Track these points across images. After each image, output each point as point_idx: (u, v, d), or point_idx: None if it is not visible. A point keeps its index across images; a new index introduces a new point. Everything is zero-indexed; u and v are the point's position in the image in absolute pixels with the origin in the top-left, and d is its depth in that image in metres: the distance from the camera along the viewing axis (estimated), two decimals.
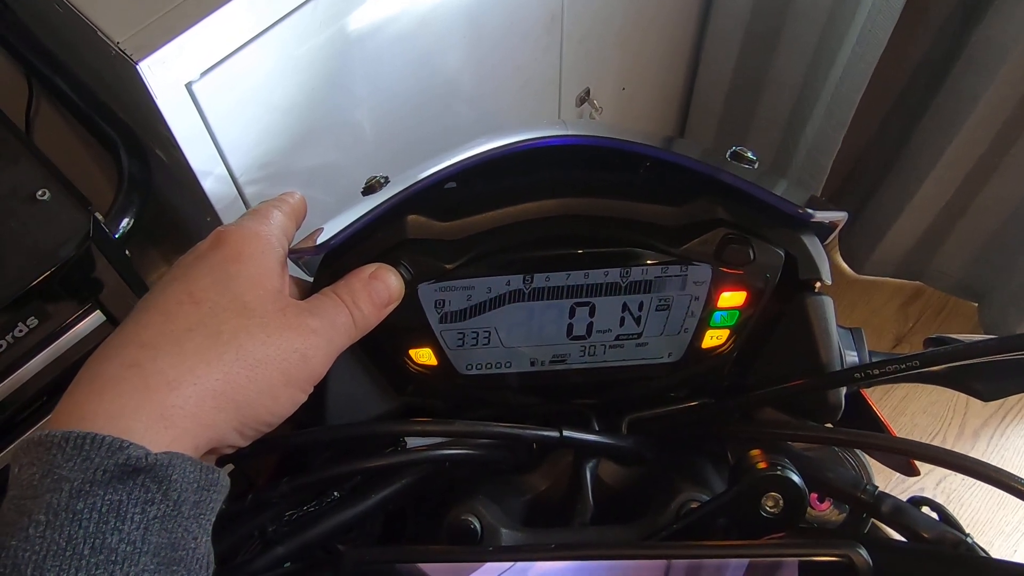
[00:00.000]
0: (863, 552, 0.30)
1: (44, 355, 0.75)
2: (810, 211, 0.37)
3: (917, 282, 1.66)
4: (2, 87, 0.87)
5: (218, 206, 0.81)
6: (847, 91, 1.22)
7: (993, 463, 0.35)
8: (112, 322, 0.80)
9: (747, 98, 1.46)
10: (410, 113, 0.95)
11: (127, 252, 0.81)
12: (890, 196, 1.47)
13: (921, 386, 1.73)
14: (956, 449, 0.36)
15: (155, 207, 0.88)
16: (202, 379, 0.32)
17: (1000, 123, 1.24)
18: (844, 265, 1.70)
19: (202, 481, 0.31)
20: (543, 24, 1.05)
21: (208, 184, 0.79)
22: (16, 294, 0.69)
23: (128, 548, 0.28)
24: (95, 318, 0.78)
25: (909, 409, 1.55)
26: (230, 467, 0.36)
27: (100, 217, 0.75)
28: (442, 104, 0.99)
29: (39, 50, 0.90)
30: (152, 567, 0.28)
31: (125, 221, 0.80)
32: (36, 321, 0.73)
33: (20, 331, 0.72)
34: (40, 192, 0.73)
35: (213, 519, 0.31)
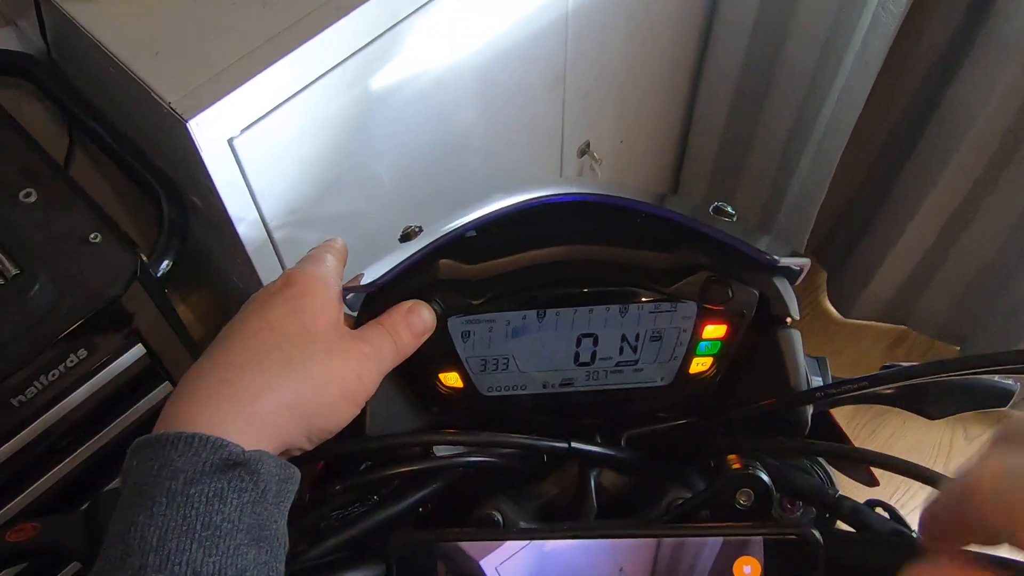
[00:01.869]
0: (816, 533, 0.37)
1: (91, 384, 0.81)
2: (776, 258, 0.44)
3: (902, 326, 1.72)
4: (43, 137, 0.94)
5: (250, 249, 0.89)
6: (829, 146, 1.30)
7: None
8: (151, 354, 0.87)
9: (737, 151, 1.54)
10: (427, 165, 1.03)
11: (166, 290, 0.88)
12: (874, 244, 1.54)
13: (908, 425, 1.79)
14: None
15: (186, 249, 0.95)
16: (279, 393, 0.39)
17: (971, 181, 1.32)
18: (832, 309, 1.77)
19: (282, 474, 0.37)
20: (548, 83, 1.13)
21: (242, 229, 0.86)
22: (70, 328, 0.76)
23: (229, 526, 0.34)
24: (136, 350, 0.85)
25: (896, 447, 1.61)
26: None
27: (145, 259, 0.82)
28: (456, 156, 1.06)
29: (85, 105, 0.98)
30: (246, 541, 0.35)
31: (165, 263, 0.88)
32: (85, 353, 0.79)
33: (72, 361, 0.78)
34: (93, 235, 0.80)
35: (289, 506, 0.38)
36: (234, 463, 0.35)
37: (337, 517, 0.45)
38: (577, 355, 0.48)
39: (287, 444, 0.40)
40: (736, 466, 0.43)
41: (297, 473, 0.39)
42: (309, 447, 0.41)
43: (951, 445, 1.60)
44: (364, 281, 0.47)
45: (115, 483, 0.92)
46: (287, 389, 0.39)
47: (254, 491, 0.36)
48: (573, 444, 0.47)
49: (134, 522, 0.34)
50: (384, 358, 0.44)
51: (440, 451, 0.48)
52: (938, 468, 1.64)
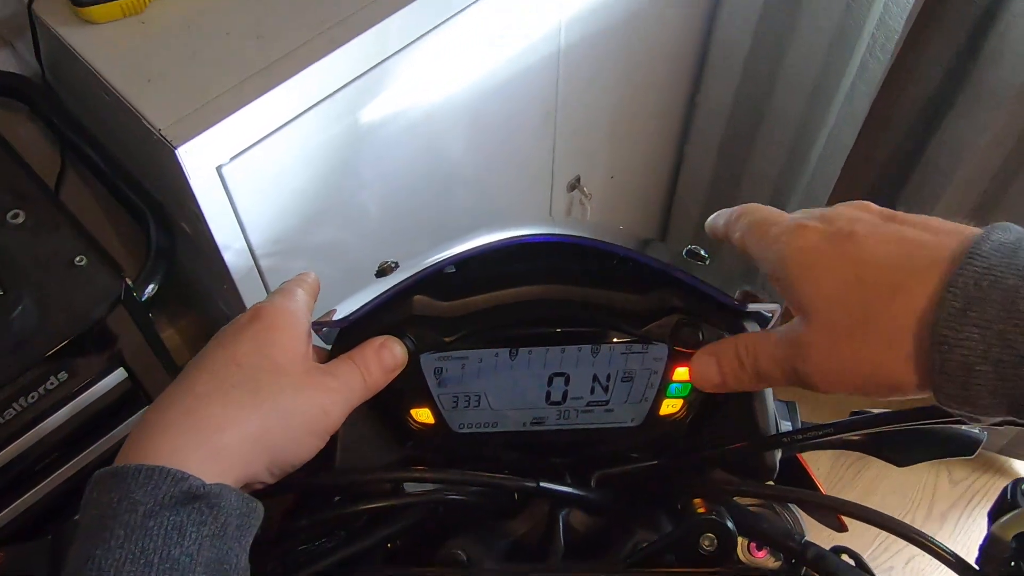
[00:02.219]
0: None
1: (70, 407, 0.81)
2: (745, 303, 0.45)
3: None
4: (35, 159, 0.95)
5: (236, 276, 0.89)
6: (817, 189, 1.32)
7: (959, 545, 0.42)
8: (133, 378, 0.87)
9: (727, 190, 1.55)
10: (414, 196, 1.03)
11: (150, 315, 0.88)
12: None
13: (891, 468, 1.79)
14: (924, 530, 0.43)
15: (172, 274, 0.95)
16: (244, 425, 0.39)
17: (959, 221, 1.33)
18: None
19: (244, 508, 0.37)
20: (539, 118, 1.14)
21: (228, 256, 0.87)
22: (52, 350, 0.76)
23: (187, 560, 0.34)
24: (118, 374, 0.85)
25: (880, 489, 1.61)
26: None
27: (130, 283, 0.82)
28: (443, 189, 1.07)
29: (78, 128, 0.98)
30: None
31: (151, 287, 0.88)
32: (66, 375, 0.79)
33: (51, 384, 0.78)
34: (78, 258, 0.80)
35: (251, 540, 0.38)
36: (194, 496, 0.35)
37: (303, 552, 0.45)
38: (549, 394, 0.48)
39: (249, 477, 0.40)
40: (701, 510, 0.43)
41: (260, 507, 0.39)
42: (271, 480, 0.41)
43: (935, 488, 1.60)
44: (338, 316, 0.48)
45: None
46: (252, 421, 0.39)
47: (214, 524, 0.36)
48: (542, 484, 0.47)
49: (91, 555, 0.34)
50: (352, 393, 0.44)
51: (410, 486, 0.48)
52: (921, 511, 1.63)
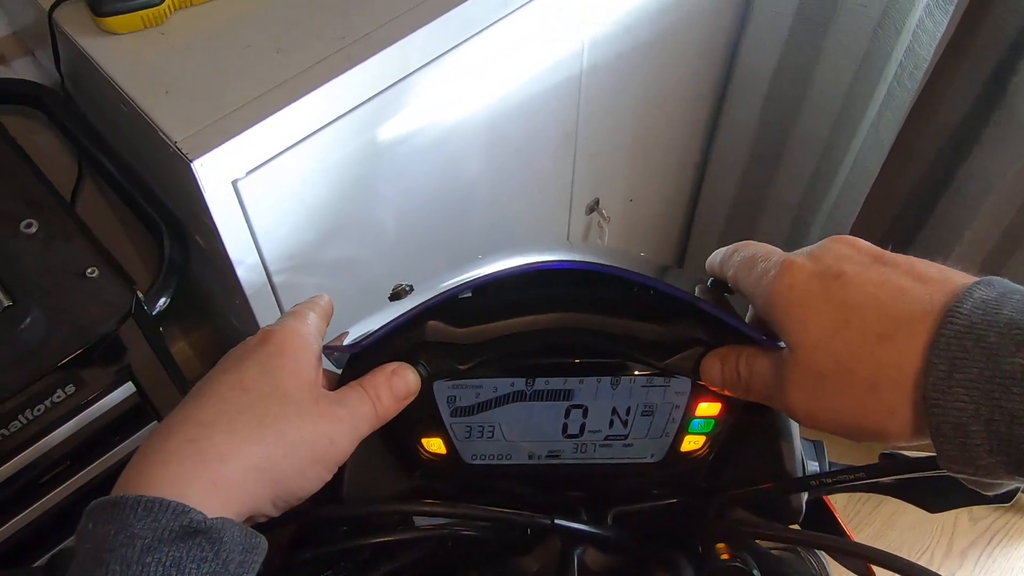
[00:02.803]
0: None
1: (76, 420, 0.80)
2: (772, 339, 0.43)
3: None
4: (53, 168, 0.94)
5: (249, 292, 0.88)
6: (841, 216, 1.29)
7: None
8: (141, 393, 0.85)
9: (748, 215, 1.54)
10: (430, 215, 1.02)
11: (161, 329, 0.87)
12: None
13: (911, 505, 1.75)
14: (943, 569, 0.41)
15: (185, 286, 0.94)
16: (248, 456, 0.37)
17: (985, 251, 1.31)
18: None
19: (246, 544, 0.36)
20: (558, 140, 1.13)
21: (242, 271, 0.85)
22: (60, 362, 0.75)
23: None
24: (126, 388, 0.84)
25: (898, 524, 1.57)
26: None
27: (141, 296, 0.81)
28: (460, 209, 1.06)
29: (95, 138, 0.98)
30: None
31: (162, 300, 0.87)
32: (73, 388, 0.78)
33: (58, 397, 0.77)
34: (90, 270, 0.79)
35: None
36: (195, 531, 0.34)
37: None
38: (565, 427, 0.47)
39: (253, 510, 0.38)
40: (725, 556, 0.41)
41: (263, 543, 0.37)
42: (275, 514, 0.40)
43: (955, 525, 1.56)
44: (349, 340, 0.46)
45: (73, 540, 0.90)
46: (256, 451, 0.38)
47: (215, 562, 0.34)
48: (556, 520, 0.45)
49: None
50: (361, 422, 0.42)
51: (419, 519, 0.46)
52: (940, 550, 1.60)
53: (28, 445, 0.78)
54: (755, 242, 0.45)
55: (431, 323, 0.45)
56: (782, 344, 0.45)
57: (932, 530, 1.57)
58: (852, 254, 0.40)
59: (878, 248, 0.41)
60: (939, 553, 1.54)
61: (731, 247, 0.46)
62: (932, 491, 0.47)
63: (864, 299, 0.37)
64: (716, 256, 0.48)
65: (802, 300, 0.39)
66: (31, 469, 0.80)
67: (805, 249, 0.42)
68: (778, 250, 0.43)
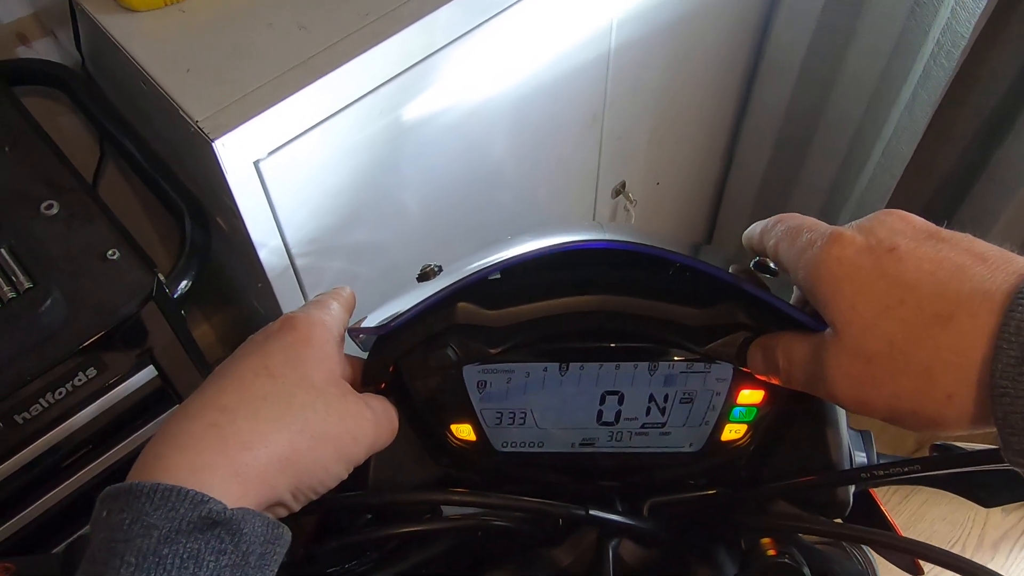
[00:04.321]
0: None
1: (98, 404, 0.79)
2: (823, 325, 0.41)
3: None
4: (75, 149, 0.93)
5: (271, 275, 0.86)
6: (873, 199, 1.26)
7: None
8: (163, 376, 0.84)
9: (777, 199, 1.51)
10: (455, 198, 1.00)
11: (183, 312, 0.86)
12: None
13: (941, 493, 1.72)
14: (975, 560, 0.39)
15: (207, 270, 0.93)
16: (272, 444, 0.36)
17: (1021, 236, 1.27)
18: None
19: (268, 535, 0.34)
20: (585, 122, 1.10)
21: (264, 254, 0.84)
22: (80, 345, 0.74)
23: None
24: (147, 372, 0.83)
25: (929, 515, 1.55)
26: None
27: (162, 278, 0.80)
28: (485, 191, 1.04)
29: (116, 119, 0.97)
30: None
31: (184, 283, 0.85)
32: (95, 372, 0.77)
33: (80, 380, 0.76)
34: (111, 252, 0.78)
35: (276, 570, 0.35)
36: (214, 522, 0.32)
37: (332, 575, 0.42)
38: (600, 413, 0.45)
39: (272, 500, 0.36)
40: (771, 552, 0.39)
41: (286, 534, 0.35)
42: (295, 507, 0.38)
43: (986, 518, 1.53)
44: (372, 322, 0.44)
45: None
46: (281, 440, 0.36)
47: (235, 554, 0.32)
48: (591, 511, 0.43)
49: None
50: (382, 431, 0.41)
51: (447, 508, 0.45)
52: (972, 541, 1.57)
53: (49, 429, 0.77)
54: (798, 214, 0.42)
55: (461, 305, 0.43)
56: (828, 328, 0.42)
57: (963, 521, 1.54)
58: (906, 228, 0.37)
59: (932, 224, 0.38)
60: (970, 545, 1.51)
61: (773, 218, 0.43)
62: (987, 486, 0.45)
63: (920, 276, 0.35)
64: (756, 228, 0.45)
65: (851, 274, 0.36)
66: (53, 453, 0.79)
67: (854, 222, 0.39)
68: (824, 223, 0.41)
